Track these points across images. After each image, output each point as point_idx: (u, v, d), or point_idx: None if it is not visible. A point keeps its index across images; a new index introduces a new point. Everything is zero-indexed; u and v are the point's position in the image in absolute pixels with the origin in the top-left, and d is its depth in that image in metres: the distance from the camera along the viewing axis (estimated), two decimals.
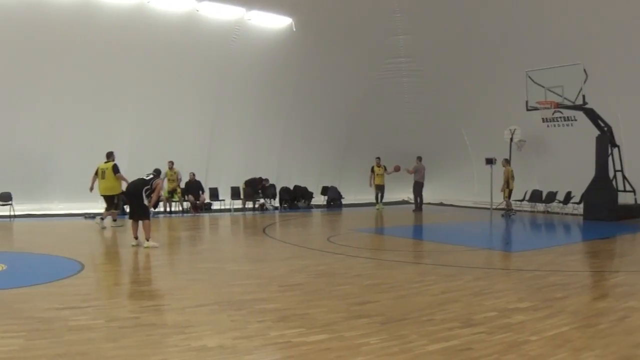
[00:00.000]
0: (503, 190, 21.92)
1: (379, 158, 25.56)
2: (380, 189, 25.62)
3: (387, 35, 25.21)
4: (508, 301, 7.90)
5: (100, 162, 16.91)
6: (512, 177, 21.97)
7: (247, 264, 11.53)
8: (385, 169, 25.48)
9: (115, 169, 16.61)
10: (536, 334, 6.29)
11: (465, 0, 23.20)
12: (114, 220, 17.05)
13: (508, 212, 22.16)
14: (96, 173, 16.76)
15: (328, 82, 25.67)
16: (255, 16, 23.08)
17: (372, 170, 25.59)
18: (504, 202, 22.22)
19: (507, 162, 22.26)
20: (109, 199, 16.86)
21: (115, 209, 17.14)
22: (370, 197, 26.40)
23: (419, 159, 25.28)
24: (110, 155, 16.96)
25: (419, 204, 25.07)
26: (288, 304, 7.68)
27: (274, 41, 24.04)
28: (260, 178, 24.75)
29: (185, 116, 23.03)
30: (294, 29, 23.95)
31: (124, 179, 16.25)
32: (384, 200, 25.90)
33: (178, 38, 21.81)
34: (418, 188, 25.19)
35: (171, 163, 21.90)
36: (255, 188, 24.48)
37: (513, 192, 22.11)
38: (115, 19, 20.40)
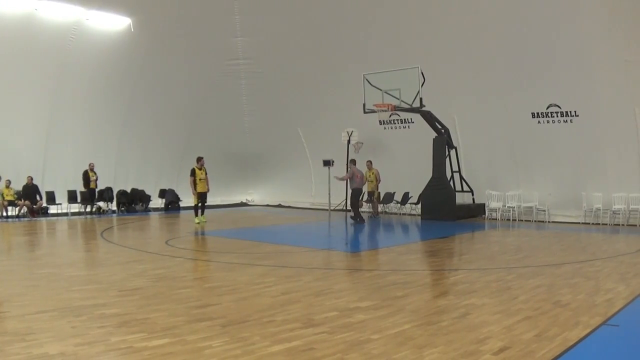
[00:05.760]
0: (374, 191, 22.24)
1: (201, 158, 20.16)
2: (203, 197, 20.15)
3: (226, 36, 25.36)
4: (348, 301, 8.00)
5: None
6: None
7: (85, 269, 11.26)
8: (205, 173, 20.00)
9: None
10: (378, 332, 6.37)
11: (303, 4, 23.68)
12: None
13: (376, 214, 22.69)
14: None
15: (166, 84, 25.45)
16: (94, 16, 22.46)
17: (193, 174, 19.85)
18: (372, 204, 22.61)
19: (371, 163, 22.38)
20: None
21: None
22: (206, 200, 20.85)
23: (355, 162, 21.36)
24: None
25: (358, 214, 20.67)
26: (128, 308, 7.56)
27: (112, 42, 23.52)
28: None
29: (21, 119, 22.00)
30: (132, 30, 23.60)
31: None
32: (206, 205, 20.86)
33: (14, 38, 20.82)
34: (356, 195, 20.74)
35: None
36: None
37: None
38: None
